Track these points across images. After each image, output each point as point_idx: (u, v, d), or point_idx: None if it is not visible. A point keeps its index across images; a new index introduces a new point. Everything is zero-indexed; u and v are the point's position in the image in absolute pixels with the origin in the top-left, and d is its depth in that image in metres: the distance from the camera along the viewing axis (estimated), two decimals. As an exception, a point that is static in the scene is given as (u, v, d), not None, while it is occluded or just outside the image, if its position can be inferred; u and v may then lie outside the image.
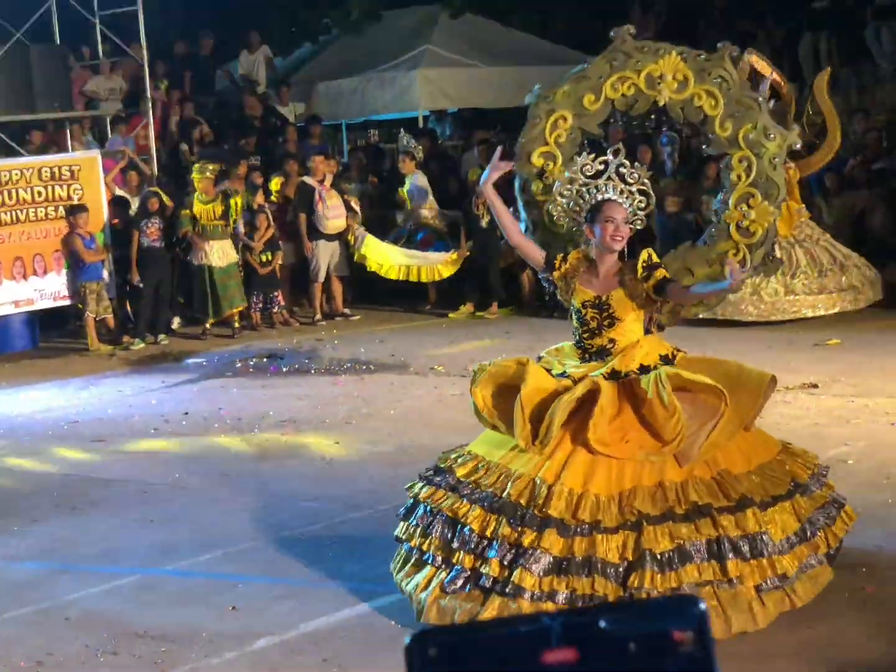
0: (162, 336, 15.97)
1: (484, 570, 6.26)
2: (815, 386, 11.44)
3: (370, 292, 17.34)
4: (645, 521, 6.16)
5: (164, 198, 16.25)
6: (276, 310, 16.65)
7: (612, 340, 6.65)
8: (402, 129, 19.02)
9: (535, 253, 6.95)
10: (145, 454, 10.62)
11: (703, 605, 1.42)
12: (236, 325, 16.26)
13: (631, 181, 6.83)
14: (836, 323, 14.21)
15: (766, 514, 6.33)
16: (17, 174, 15.38)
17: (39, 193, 15.51)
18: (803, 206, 14.64)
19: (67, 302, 15.79)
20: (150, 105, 17.87)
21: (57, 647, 6.66)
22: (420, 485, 6.76)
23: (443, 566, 6.45)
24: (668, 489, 6.28)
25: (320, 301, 16.98)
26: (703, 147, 8.27)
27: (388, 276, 16.27)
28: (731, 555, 6.16)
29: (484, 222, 16.26)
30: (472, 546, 6.34)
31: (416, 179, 17.19)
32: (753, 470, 6.54)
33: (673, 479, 6.33)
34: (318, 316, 16.80)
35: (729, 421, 6.43)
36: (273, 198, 17.12)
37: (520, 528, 6.22)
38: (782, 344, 13.43)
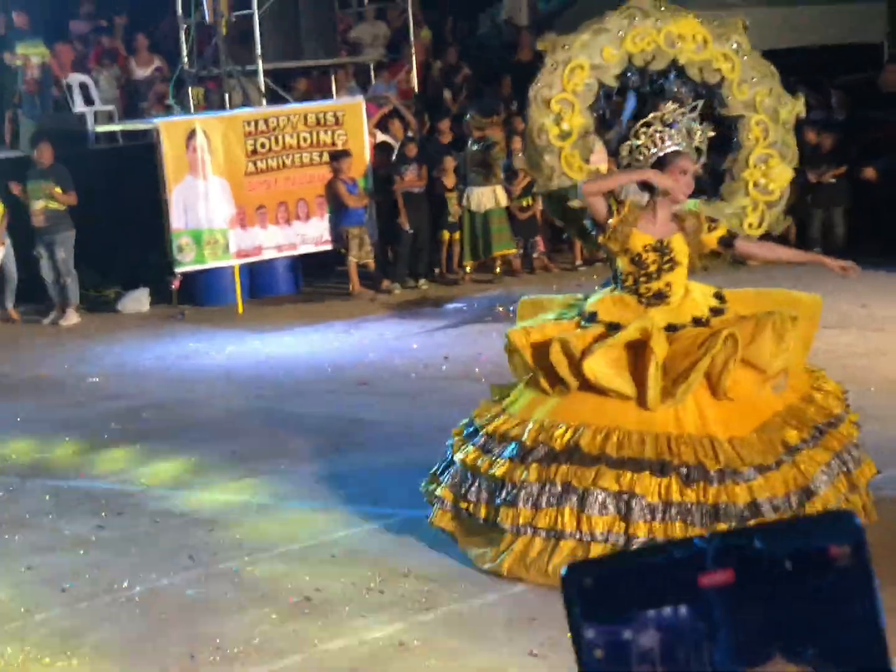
0: (422, 280, 16.08)
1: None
2: None
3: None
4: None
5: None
6: (536, 255, 16.61)
7: (668, 284, 6.81)
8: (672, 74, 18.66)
9: (600, 204, 6.88)
10: (406, 397, 10.71)
11: (858, 521, 1.41)
12: (497, 270, 16.30)
13: (697, 140, 6.99)
14: None
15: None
16: (283, 120, 15.63)
17: (304, 139, 15.74)
18: None
19: (329, 247, 16.01)
20: (413, 51, 17.97)
21: (323, 583, 6.77)
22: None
23: None
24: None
25: (580, 246, 16.85)
26: (718, 109, 8.15)
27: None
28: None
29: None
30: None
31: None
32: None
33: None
34: (579, 261, 16.69)
35: (797, 344, 6.76)
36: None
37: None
38: None
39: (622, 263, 6.85)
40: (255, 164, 15.42)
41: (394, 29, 19.09)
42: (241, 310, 15.34)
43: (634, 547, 5.96)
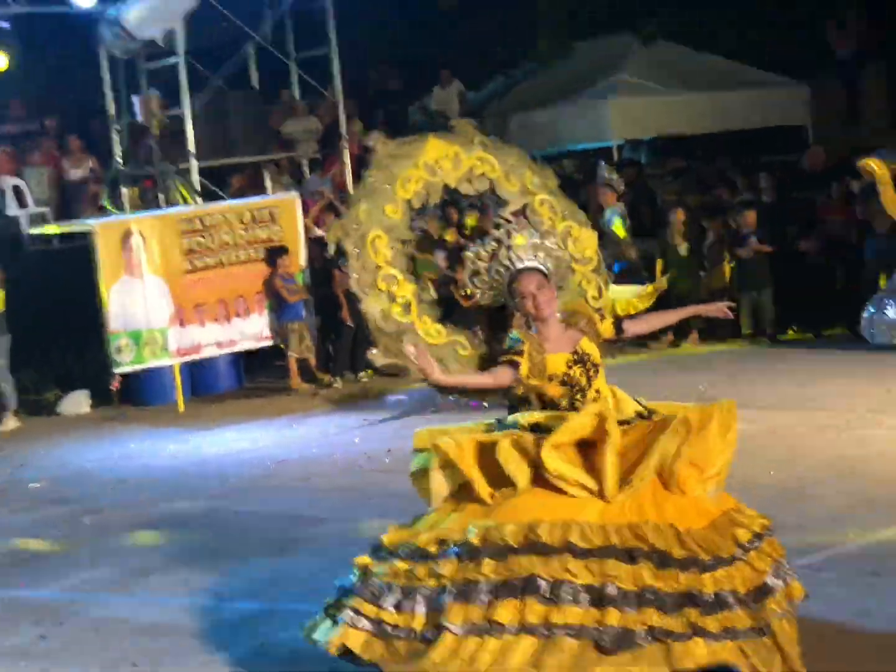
0: (363, 374, 16.09)
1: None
2: None
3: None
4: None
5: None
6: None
7: (598, 390, 6.52)
8: (601, 161, 18.89)
9: (500, 377, 6.55)
10: (351, 492, 10.67)
11: None
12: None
13: (533, 236, 6.70)
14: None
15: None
16: (219, 218, 15.70)
17: (241, 236, 15.80)
18: None
19: (270, 342, 16.03)
20: (346, 145, 18.09)
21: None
22: None
23: None
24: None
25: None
26: (501, 211, 7.80)
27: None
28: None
29: (682, 249, 16.09)
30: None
31: (616, 211, 17.06)
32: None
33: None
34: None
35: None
36: (467, 232, 17.13)
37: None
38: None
39: (552, 392, 6.50)
40: (192, 262, 15.44)
41: (325, 123, 19.20)
42: (182, 408, 15.29)
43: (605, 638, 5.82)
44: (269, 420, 14.18)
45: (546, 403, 6.51)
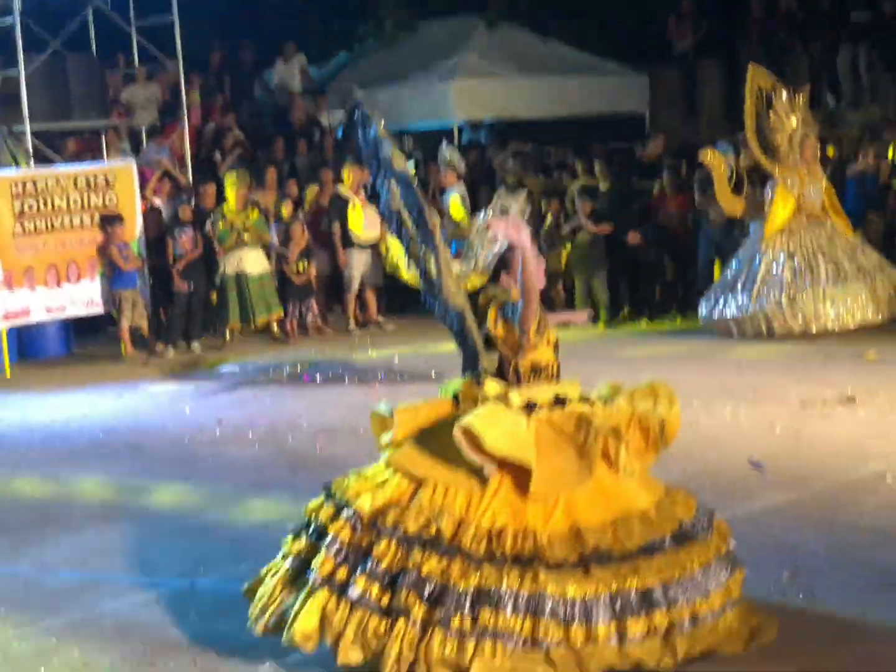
0: (195, 344, 15.97)
1: None
2: (853, 400, 11.33)
3: (405, 302, 17.29)
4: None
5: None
6: (310, 318, 16.64)
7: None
8: (443, 141, 18.95)
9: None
10: (179, 462, 10.60)
11: None
12: (276, 332, 16.29)
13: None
14: (875, 336, 14.10)
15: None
16: (52, 182, 15.42)
17: (75, 202, 15.55)
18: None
19: (100, 310, 15.82)
20: (185, 114, 17.91)
21: (92, 657, 6.64)
22: None
23: None
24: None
25: (354, 310, 16.95)
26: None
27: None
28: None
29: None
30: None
31: (455, 191, 17.15)
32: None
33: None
34: (353, 325, 16.78)
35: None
36: (306, 207, 17.10)
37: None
38: (819, 357, 13.34)
39: (546, 355, 6.49)
40: (22, 225, 15.16)
41: (165, 92, 18.98)
42: (8, 373, 15.01)
43: None
44: (99, 387, 13.99)
45: (518, 375, 6.46)
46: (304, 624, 6.07)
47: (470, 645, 5.87)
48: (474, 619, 5.88)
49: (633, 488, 6.35)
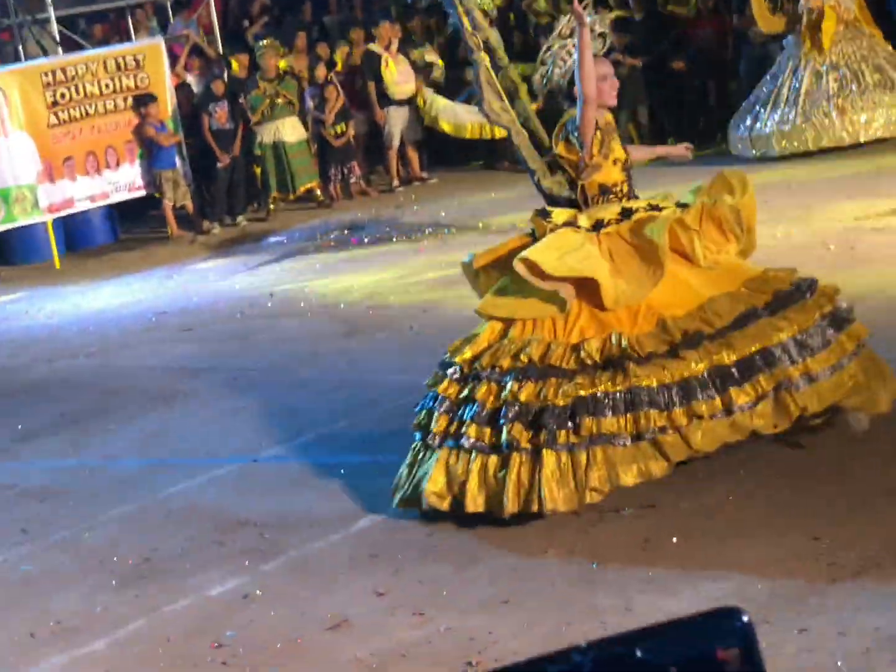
0: (240, 217, 15.90)
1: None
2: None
3: (446, 154, 17.11)
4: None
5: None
6: (353, 180, 16.50)
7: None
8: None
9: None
10: (234, 339, 10.59)
11: (745, 618, 1.30)
12: (319, 197, 16.16)
13: (599, 29, 6.68)
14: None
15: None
16: (82, 68, 15.27)
17: (106, 86, 15.41)
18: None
19: (143, 192, 15.75)
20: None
21: (162, 541, 6.69)
22: None
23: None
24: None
25: (396, 168, 16.79)
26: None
27: (461, 135, 16.07)
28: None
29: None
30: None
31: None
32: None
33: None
34: (396, 183, 16.64)
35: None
36: (338, 68, 16.87)
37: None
38: (870, 171, 13.08)
39: (613, 175, 6.50)
40: (56, 115, 15.06)
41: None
42: (58, 265, 15.04)
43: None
44: (147, 272, 14.00)
45: (586, 197, 6.51)
46: (434, 484, 6.22)
47: (581, 457, 5.93)
48: (577, 432, 5.94)
49: (718, 276, 6.42)
